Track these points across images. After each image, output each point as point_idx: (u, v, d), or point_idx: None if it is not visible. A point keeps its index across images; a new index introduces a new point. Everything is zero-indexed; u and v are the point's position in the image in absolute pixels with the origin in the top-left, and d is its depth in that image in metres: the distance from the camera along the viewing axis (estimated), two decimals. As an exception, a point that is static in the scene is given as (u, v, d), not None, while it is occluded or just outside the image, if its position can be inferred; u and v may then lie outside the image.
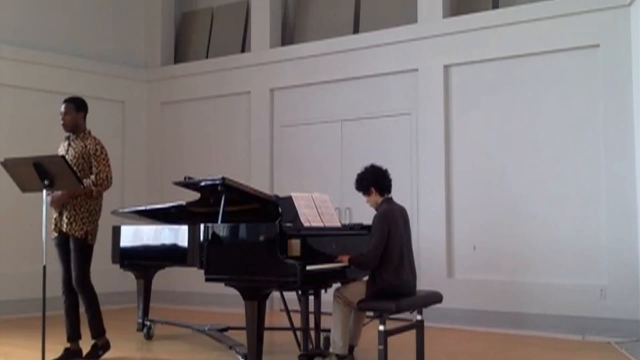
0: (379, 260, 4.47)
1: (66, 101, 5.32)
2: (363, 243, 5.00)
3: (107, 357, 5.27)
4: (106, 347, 5.26)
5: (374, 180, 4.73)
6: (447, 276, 7.06)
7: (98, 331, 5.23)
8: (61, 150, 5.26)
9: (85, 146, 5.19)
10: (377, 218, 4.58)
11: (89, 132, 5.31)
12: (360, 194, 4.84)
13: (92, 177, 5.11)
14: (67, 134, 5.32)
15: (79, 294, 5.17)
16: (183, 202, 5.50)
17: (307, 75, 8.16)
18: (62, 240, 5.19)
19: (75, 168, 4.97)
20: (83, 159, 5.16)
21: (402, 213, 4.74)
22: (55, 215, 5.20)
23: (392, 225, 4.54)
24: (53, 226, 5.21)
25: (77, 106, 5.29)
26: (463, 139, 7.16)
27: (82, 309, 5.24)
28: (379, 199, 4.71)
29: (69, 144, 5.27)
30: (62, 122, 5.26)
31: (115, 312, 5.54)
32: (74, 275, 5.11)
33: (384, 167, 4.81)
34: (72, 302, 5.23)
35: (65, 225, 5.12)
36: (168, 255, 5.57)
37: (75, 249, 5.11)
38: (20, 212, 7.66)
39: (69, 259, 5.14)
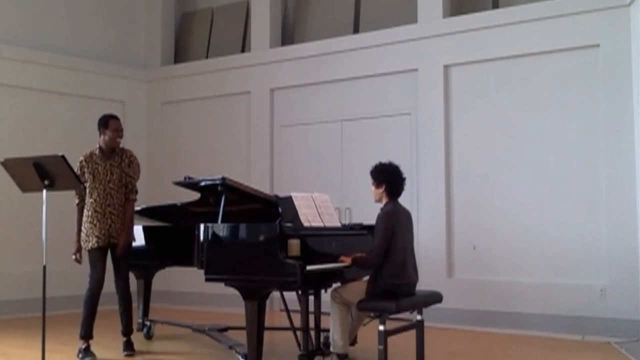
0: (382, 260, 4.45)
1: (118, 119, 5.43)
2: (363, 243, 5.00)
3: (107, 357, 5.28)
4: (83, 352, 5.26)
5: (391, 180, 4.62)
6: (447, 276, 7.06)
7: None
8: (101, 171, 5.29)
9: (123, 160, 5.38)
10: (380, 217, 4.53)
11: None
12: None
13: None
14: (101, 155, 5.34)
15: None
16: (183, 202, 5.50)
17: (307, 75, 8.15)
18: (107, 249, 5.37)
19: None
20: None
21: (406, 216, 4.69)
22: (103, 227, 5.27)
23: (396, 225, 4.49)
24: (97, 237, 5.26)
25: None
26: (463, 139, 7.16)
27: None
28: (385, 199, 4.65)
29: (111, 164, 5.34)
30: (120, 138, 5.34)
31: (115, 312, 5.53)
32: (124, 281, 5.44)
33: (405, 176, 4.71)
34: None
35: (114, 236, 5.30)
36: (168, 255, 5.58)
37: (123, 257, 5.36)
38: (20, 212, 7.67)
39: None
